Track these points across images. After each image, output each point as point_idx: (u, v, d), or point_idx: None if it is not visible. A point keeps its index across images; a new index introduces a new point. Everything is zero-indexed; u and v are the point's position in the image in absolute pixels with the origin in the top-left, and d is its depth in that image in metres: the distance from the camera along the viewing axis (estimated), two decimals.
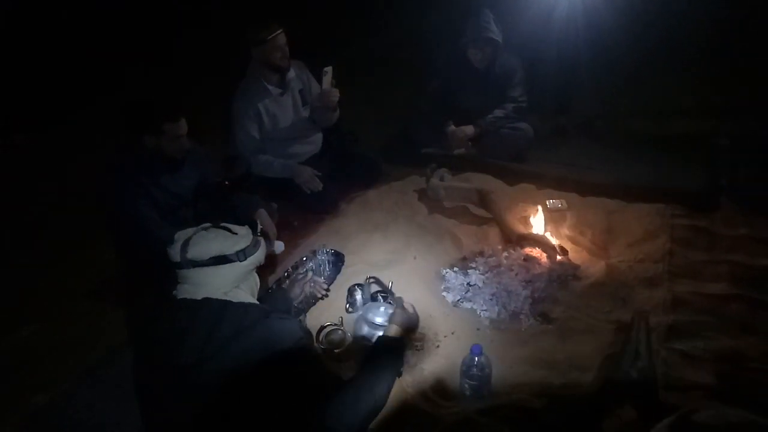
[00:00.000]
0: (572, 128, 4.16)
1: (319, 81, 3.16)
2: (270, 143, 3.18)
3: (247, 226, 1.54)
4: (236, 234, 1.45)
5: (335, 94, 3.13)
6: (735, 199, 2.97)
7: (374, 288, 2.44)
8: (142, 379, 1.37)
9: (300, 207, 3.20)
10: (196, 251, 1.38)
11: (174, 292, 1.42)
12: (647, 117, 4.22)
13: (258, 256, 1.50)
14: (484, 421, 1.39)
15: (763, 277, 2.39)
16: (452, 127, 3.64)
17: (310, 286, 2.28)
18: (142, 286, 2.42)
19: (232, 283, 1.42)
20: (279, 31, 2.96)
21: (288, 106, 3.17)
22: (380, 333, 1.88)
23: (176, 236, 1.44)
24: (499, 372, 1.92)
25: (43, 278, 2.83)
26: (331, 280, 2.60)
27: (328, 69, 3.08)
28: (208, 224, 1.47)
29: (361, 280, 2.52)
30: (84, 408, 1.90)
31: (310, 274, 2.40)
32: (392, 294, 2.28)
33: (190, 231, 1.45)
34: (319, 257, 2.62)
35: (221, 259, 1.39)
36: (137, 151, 2.27)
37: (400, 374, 1.87)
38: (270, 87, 3.08)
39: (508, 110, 3.59)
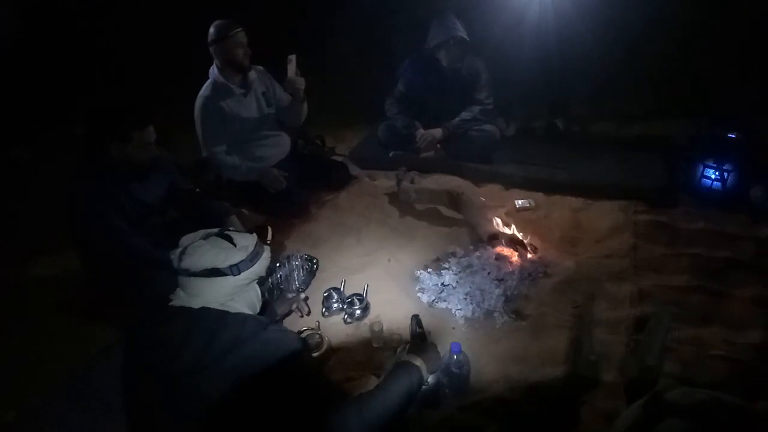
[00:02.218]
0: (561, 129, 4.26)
1: (282, 84, 3.18)
2: (237, 145, 3.16)
3: (253, 235, 1.49)
4: (235, 246, 1.41)
5: (301, 82, 3.13)
6: (693, 195, 3.11)
7: (349, 292, 2.47)
8: (133, 388, 1.34)
9: (270, 212, 3.18)
10: (189, 262, 1.35)
11: (171, 295, 1.40)
12: (608, 120, 4.36)
13: (255, 270, 1.44)
14: (465, 416, 1.42)
15: (721, 269, 2.51)
16: (420, 130, 3.68)
17: (297, 307, 2.27)
18: (112, 297, 2.38)
19: (226, 295, 1.38)
20: (239, 29, 2.96)
21: (252, 107, 3.15)
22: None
23: (181, 240, 1.41)
24: (475, 369, 1.96)
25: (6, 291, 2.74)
26: (305, 285, 2.60)
27: (292, 57, 3.08)
28: (213, 231, 1.44)
29: (336, 284, 2.54)
30: (57, 423, 1.84)
31: (302, 295, 2.39)
32: (421, 329, 2.20)
33: (192, 237, 1.42)
34: (292, 263, 2.61)
35: (213, 272, 1.36)
36: (104, 160, 2.22)
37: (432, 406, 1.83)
38: (232, 87, 3.06)
39: (474, 112, 3.65)
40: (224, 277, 1.37)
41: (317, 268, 2.72)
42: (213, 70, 3.04)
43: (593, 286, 2.45)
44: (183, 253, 1.36)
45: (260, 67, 3.21)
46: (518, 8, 3.89)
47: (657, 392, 0.91)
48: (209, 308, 1.34)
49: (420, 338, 1.84)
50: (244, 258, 1.40)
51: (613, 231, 2.88)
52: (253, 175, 3.11)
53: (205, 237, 1.40)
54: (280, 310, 2.21)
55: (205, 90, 3.04)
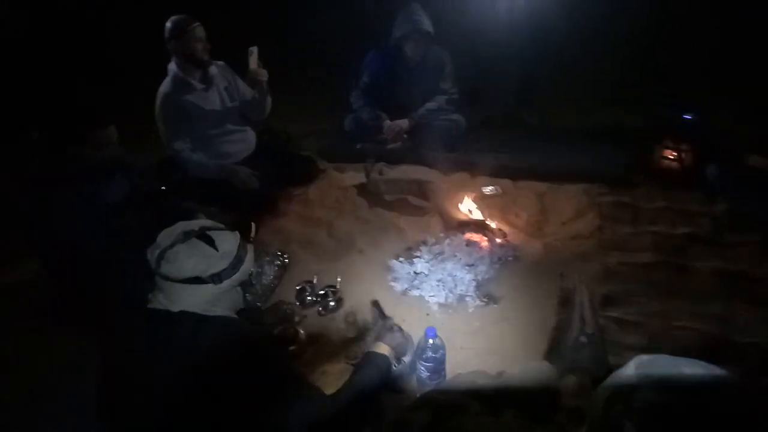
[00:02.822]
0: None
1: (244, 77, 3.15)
2: (201, 142, 3.11)
3: (235, 237, 1.44)
4: (217, 251, 1.36)
5: (263, 74, 3.09)
6: (652, 176, 3.20)
7: (323, 284, 2.47)
8: (108, 393, 1.30)
9: (239, 209, 3.14)
10: (170, 269, 1.29)
11: (150, 295, 1.36)
12: (570, 107, 4.45)
13: (237, 278, 1.42)
14: (445, 397, 1.44)
15: (682, 244, 2.60)
16: (387, 122, 3.69)
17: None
18: (77, 302, 2.32)
19: (207, 302, 1.34)
20: (197, 24, 2.91)
21: (214, 102, 3.10)
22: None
23: (158, 239, 1.36)
24: (451, 353, 1.98)
25: None
26: (277, 281, 2.58)
27: (253, 49, 3.04)
28: (193, 228, 1.37)
29: (309, 278, 2.53)
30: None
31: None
32: (383, 315, 2.24)
33: (171, 237, 1.34)
34: (263, 258, 2.59)
35: (195, 280, 1.32)
36: (63, 162, 2.16)
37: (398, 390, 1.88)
38: (193, 82, 3.01)
39: (440, 102, 3.69)
40: (206, 285, 1.33)
41: (288, 262, 2.71)
42: (172, 66, 2.98)
43: (561, 266, 2.51)
44: (161, 257, 1.31)
45: (221, 62, 3.17)
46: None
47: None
48: (187, 312, 1.31)
49: (384, 324, 1.86)
50: (226, 266, 1.36)
51: (578, 213, 2.95)
52: (222, 173, 3.07)
53: (185, 237, 1.34)
54: (267, 319, 2.20)
55: (164, 87, 2.98)
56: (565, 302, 2.18)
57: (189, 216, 2.52)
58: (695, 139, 3.09)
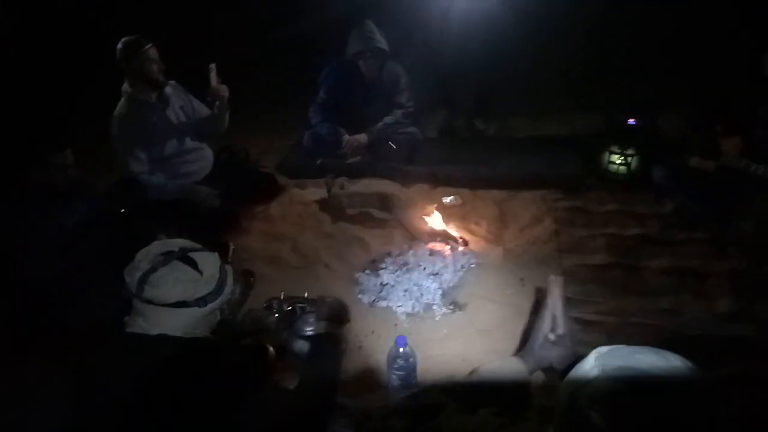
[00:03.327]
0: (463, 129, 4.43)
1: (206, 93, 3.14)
2: (159, 164, 3.07)
3: (216, 258, 1.43)
4: (201, 274, 1.35)
5: (224, 90, 3.09)
6: (603, 180, 3.35)
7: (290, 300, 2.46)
8: (83, 422, 1.27)
9: (200, 229, 3.11)
10: (155, 294, 1.27)
11: (126, 318, 1.34)
12: (522, 116, 4.61)
13: (221, 300, 1.41)
14: (419, 401, 1.48)
15: (633, 245, 2.73)
16: (346, 136, 3.73)
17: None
18: (33, 331, 2.24)
19: (190, 326, 1.34)
20: (150, 45, 2.89)
21: (171, 122, 3.07)
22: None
23: (137, 260, 1.33)
24: (421, 361, 2.02)
25: None
26: (243, 299, 2.57)
27: (213, 66, 3.05)
28: (173, 249, 1.35)
29: (276, 294, 2.52)
30: None
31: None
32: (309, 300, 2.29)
33: (150, 258, 1.32)
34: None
35: (180, 304, 1.31)
36: (19, 185, 2.10)
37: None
38: (150, 103, 2.98)
39: (397, 116, 3.75)
40: (190, 309, 1.32)
41: (254, 280, 2.69)
42: (126, 88, 2.95)
43: (522, 271, 2.59)
44: (143, 281, 1.29)
45: (173, 82, 3.14)
46: (437, 13, 4.03)
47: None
48: (167, 336, 1.30)
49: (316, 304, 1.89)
50: (211, 290, 1.36)
51: (536, 219, 3.06)
52: (182, 193, 3.04)
53: (166, 260, 1.32)
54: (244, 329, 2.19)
55: (120, 109, 2.94)
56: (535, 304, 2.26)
57: (150, 238, 2.51)
58: (641, 143, 3.26)
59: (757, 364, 1.95)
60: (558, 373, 1.54)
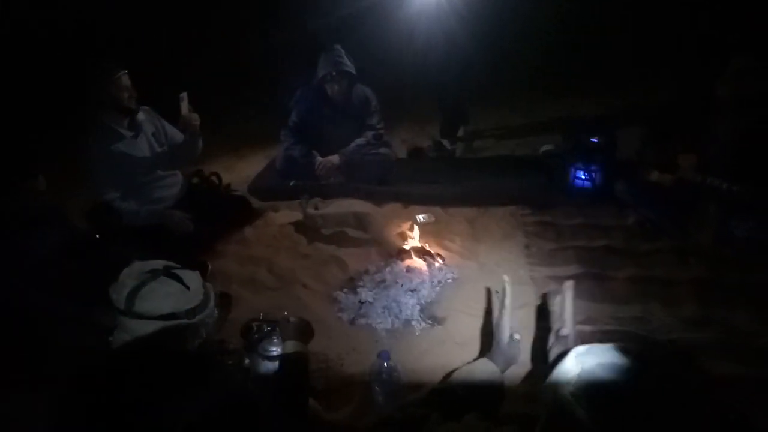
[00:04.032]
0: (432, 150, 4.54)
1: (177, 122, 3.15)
2: (132, 191, 3.05)
3: (197, 274, 1.46)
4: (188, 288, 1.37)
5: (195, 118, 3.11)
6: (568, 195, 3.48)
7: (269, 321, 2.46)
8: None
9: (174, 254, 3.08)
10: (146, 306, 1.29)
11: (110, 339, 1.34)
12: (488, 137, 4.76)
13: (208, 313, 1.44)
14: (405, 413, 1.50)
15: (601, 255, 2.84)
16: (318, 158, 3.78)
17: None
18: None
19: (176, 339, 1.36)
20: (122, 71, 2.89)
21: (143, 149, 3.06)
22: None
23: (122, 277, 1.34)
24: (403, 377, 2.05)
25: None
26: (221, 323, 2.55)
27: (184, 95, 3.07)
28: (157, 268, 1.38)
29: (254, 316, 2.52)
30: None
31: None
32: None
33: (135, 275, 1.34)
34: None
35: (171, 317, 1.32)
36: None
37: None
38: (121, 130, 2.97)
39: (368, 138, 3.83)
40: (177, 321, 1.34)
41: (231, 304, 2.69)
42: (97, 115, 2.93)
43: (496, 284, 2.66)
44: (134, 296, 1.30)
45: (146, 107, 3.14)
46: (403, 37, 4.15)
47: (562, 353, 1.05)
48: (160, 352, 1.31)
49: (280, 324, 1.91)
50: (199, 303, 1.38)
51: (507, 234, 3.16)
52: (155, 218, 3.01)
53: (153, 276, 1.35)
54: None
55: (90, 136, 2.91)
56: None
57: (126, 264, 2.49)
58: (603, 159, 3.40)
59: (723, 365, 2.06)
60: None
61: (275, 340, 2.31)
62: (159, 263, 1.42)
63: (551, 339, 1.61)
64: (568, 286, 1.69)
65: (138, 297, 1.31)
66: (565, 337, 1.61)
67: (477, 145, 4.64)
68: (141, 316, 1.31)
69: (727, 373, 2.01)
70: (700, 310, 2.38)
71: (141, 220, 3.00)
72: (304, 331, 1.83)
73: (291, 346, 1.75)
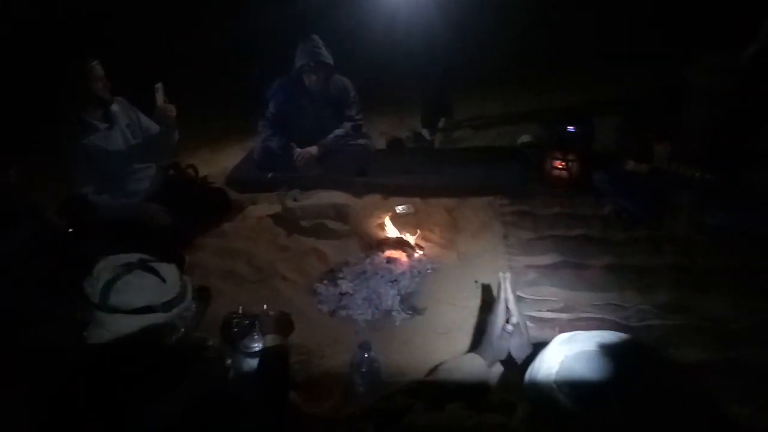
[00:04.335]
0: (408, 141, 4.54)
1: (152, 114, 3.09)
2: (106, 183, 2.98)
3: (174, 267, 1.43)
4: (164, 281, 1.35)
5: (171, 110, 3.05)
6: (546, 185, 3.52)
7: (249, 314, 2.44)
8: None
9: (151, 247, 3.03)
10: (122, 299, 1.26)
11: (84, 334, 1.30)
12: (466, 127, 4.77)
13: (185, 306, 1.42)
14: (387, 404, 1.50)
15: (579, 244, 2.88)
16: (297, 149, 3.74)
17: None
18: None
19: (153, 332, 1.33)
20: (95, 62, 2.82)
21: (118, 141, 2.99)
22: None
23: (96, 270, 1.31)
24: (384, 368, 2.06)
25: None
26: (200, 317, 2.52)
27: (159, 86, 3.00)
28: (132, 261, 1.35)
29: (234, 309, 2.50)
30: None
31: None
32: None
33: (110, 269, 1.31)
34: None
35: (147, 309, 1.30)
36: None
37: None
38: (95, 122, 2.90)
39: (347, 128, 3.80)
40: (154, 314, 1.32)
41: (210, 297, 2.66)
42: (70, 106, 2.85)
43: (475, 273, 2.68)
44: (108, 290, 1.27)
45: (120, 98, 3.07)
46: (382, 26, 4.13)
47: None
48: (137, 346, 1.28)
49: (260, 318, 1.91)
50: (176, 295, 1.36)
51: (485, 224, 3.17)
52: (129, 211, 2.95)
53: (128, 269, 1.32)
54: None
55: (64, 128, 2.84)
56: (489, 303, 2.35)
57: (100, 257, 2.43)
58: (580, 149, 3.44)
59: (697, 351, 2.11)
60: (517, 363, 1.62)
61: (256, 336, 2.30)
62: (134, 256, 1.39)
63: (498, 330, 1.62)
64: (505, 277, 1.71)
65: (113, 290, 1.28)
66: (517, 324, 1.62)
67: (456, 135, 4.65)
68: (116, 310, 1.28)
69: (701, 359, 2.06)
70: (675, 297, 2.42)
71: (116, 214, 2.94)
72: (284, 325, 1.82)
73: (271, 339, 1.74)
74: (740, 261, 2.63)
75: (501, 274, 1.72)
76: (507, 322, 1.62)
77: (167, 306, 1.34)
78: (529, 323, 2.26)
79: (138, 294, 1.30)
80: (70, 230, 2.47)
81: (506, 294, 1.66)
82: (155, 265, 1.38)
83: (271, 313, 1.90)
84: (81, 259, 2.28)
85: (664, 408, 0.84)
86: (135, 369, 1.27)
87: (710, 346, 2.13)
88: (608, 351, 0.94)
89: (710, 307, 2.35)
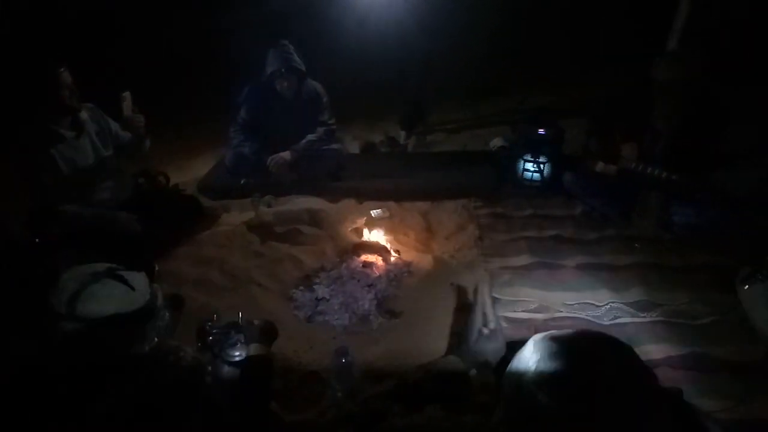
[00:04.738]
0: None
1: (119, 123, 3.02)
2: (74, 192, 2.90)
3: (143, 275, 1.40)
4: (133, 289, 1.31)
5: (139, 119, 2.99)
6: (518, 187, 3.57)
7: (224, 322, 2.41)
8: None
9: (121, 257, 2.96)
10: (89, 309, 1.22)
11: (52, 345, 1.26)
12: (439, 131, 4.81)
13: (157, 315, 1.38)
14: (365, 407, 1.50)
15: (551, 245, 2.92)
16: (270, 156, 3.72)
17: None
18: None
19: (124, 342, 1.29)
20: (63, 68, 2.75)
21: (86, 150, 2.92)
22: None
23: (61, 282, 1.26)
24: (361, 371, 2.06)
25: None
26: (175, 325, 2.48)
27: (126, 94, 2.94)
28: (99, 270, 1.31)
29: (208, 317, 2.46)
30: None
31: None
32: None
33: (77, 279, 1.26)
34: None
35: (115, 319, 1.26)
36: None
37: None
38: (62, 131, 2.82)
39: (320, 133, 3.79)
40: (124, 323, 1.28)
41: (183, 305, 2.61)
42: (36, 114, 2.77)
43: (451, 276, 2.70)
44: (75, 299, 1.23)
45: (90, 105, 3.00)
46: (354, 29, 4.14)
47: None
48: (108, 356, 1.25)
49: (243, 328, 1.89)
50: (145, 303, 1.33)
51: (460, 226, 3.20)
52: (98, 221, 2.88)
53: (95, 278, 1.28)
54: None
55: (28, 136, 2.75)
56: (464, 305, 2.36)
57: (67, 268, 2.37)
58: (551, 151, 3.50)
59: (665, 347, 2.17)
60: (492, 366, 1.64)
61: (237, 344, 2.27)
62: (102, 266, 1.35)
63: (476, 334, 1.64)
64: (483, 282, 1.74)
65: (79, 300, 1.24)
66: (495, 330, 1.64)
67: (429, 139, 4.69)
68: (84, 320, 1.24)
69: (670, 353, 2.11)
70: (645, 294, 2.48)
71: (85, 223, 2.87)
72: (269, 333, 1.80)
73: (255, 348, 1.72)
74: (706, 258, 2.71)
75: (480, 278, 1.73)
76: (484, 326, 1.63)
77: (138, 314, 1.31)
78: (504, 324, 2.32)
79: (106, 303, 1.26)
80: (37, 241, 2.40)
81: (483, 298, 1.68)
82: (123, 273, 1.35)
83: (256, 321, 1.88)
84: (48, 271, 2.24)
85: (636, 401, 0.86)
86: (106, 379, 1.24)
87: (679, 341, 2.18)
88: (582, 348, 0.97)
89: (679, 303, 2.41)
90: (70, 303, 1.23)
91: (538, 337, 1.08)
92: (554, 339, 1.03)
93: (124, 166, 3.22)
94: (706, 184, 2.82)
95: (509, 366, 1.07)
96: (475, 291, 1.71)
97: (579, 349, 0.97)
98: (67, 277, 1.29)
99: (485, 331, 1.62)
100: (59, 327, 1.24)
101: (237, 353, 2.05)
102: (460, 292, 2.55)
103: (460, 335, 2.17)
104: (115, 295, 1.28)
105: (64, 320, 1.23)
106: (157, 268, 1.89)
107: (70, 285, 1.26)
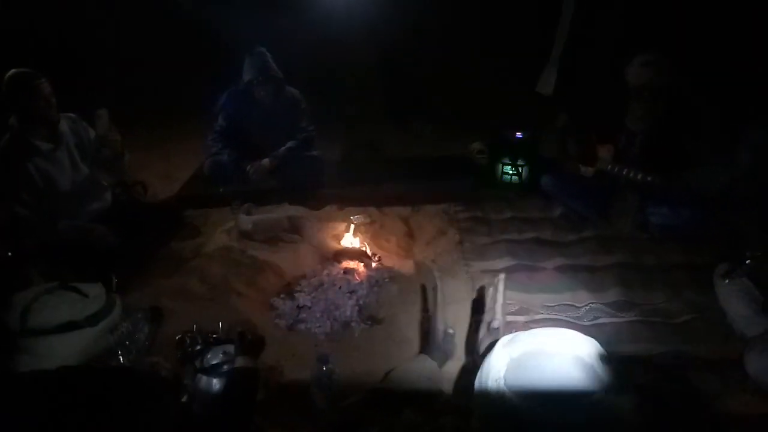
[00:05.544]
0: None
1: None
2: (50, 205, 2.85)
3: (99, 284, 1.39)
4: (87, 296, 1.30)
5: (114, 135, 2.94)
6: (497, 190, 3.60)
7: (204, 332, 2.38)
8: None
9: (101, 270, 2.92)
10: (40, 319, 1.20)
11: (10, 364, 1.23)
12: (417, 137, 4.84)
13: (112, 319, 1.37)
14: (350, 414, 1.50)
15: (531, 247, 2.95)
16: (250, 163, 3.70)
17: None
18: None
19: (82, 352, 1.27)
20: (41, 79, 2.70)
21: (64, 162, 2.87)
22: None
23: (14, 300, 1.24)
24: (345, 379, 2.04)
25: None
26: (153, 337, 2.44)
27: (102, 112, 2.87)
28: (53, 284, 1.30)
29: (188, 328, 2.43)
30: None
31: None
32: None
33: (29, 294, 1.26)
34: (135, 315, 2.43)
35: (70, 326, 1.23)
36: None
37: None
38: (38, 143, 2.77)
39: (299, 140, 3.79)
40: (80, 331, 1.26)
41: (162, 317, 2.57)
42: (13, 122, 2.72)
43: (433, 281, 2.70)
44: (27, 311, 1.22)
45: (71, 115, 2.95)
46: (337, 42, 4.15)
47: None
48: (68, 366, 1.23)
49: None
50: (100, 308, 1.31)
51: (440, 231, 3.21)
52: (73, 234, 2.83)
53: (49, 291, 1.27)
54: None
55: (3, 146, 2.70)
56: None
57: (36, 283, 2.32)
58: (529, 154, 3.53)
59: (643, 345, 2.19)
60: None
61: (219, 355, 2.24)
62: (55, 283, 1.34)
63: (482, 331, 1.65)
64: (500, 279, 1.74)
65: (30, 312, 1.22)
66: (497, 329, 1.65)
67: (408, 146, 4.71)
68: (37, 331, 1.22)
69: (649, 352, 2.14)
70: (623, 294, 2.51)
71: (60, 236, 2.82)
72: (256, 345, 1.78)
73: (241, 361, 1.70)
74: (682, 257, 2.75)
75: (435, 274, 1.74)
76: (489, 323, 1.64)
77: (92, 319, 1.30)
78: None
79: (56, 310, 1.25)
80: (9, 254, 2.35)
81: (499, 296, 1.69)
82: (77, 284, 1.34)
83: (239, 329, 1.86)
84: (22, 285, 2.19)
85: (607, 399, 0.87)
86: (76, 393, 1.22)
87: (657, 339, 2.21)
88: (550, 348, 0.98)
89: (656, 302, 2.45)
90: (22, 317, 1.22)
91: (506, 338, 1.10)
92: (521, 340, 1.05)
93: (103, 179, 3.17)
94: (680, 184, 2.87)
95: (480, 370, 1.08)
96: (489, 288, 1.70)
97: (549, 349, 0.99)
98: (20, 296, 1.27)
99: (450, 330, 1.63)
100: (17, 344, 1.22)
101: (220, 365, 2.03)
102: (424, 292, 2.55)
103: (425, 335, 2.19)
104: (65, 302, 1.27)
105: (20, 335, 1.21)
106: (115, 280, 1.85)
107: (22, 300, 1.25)
